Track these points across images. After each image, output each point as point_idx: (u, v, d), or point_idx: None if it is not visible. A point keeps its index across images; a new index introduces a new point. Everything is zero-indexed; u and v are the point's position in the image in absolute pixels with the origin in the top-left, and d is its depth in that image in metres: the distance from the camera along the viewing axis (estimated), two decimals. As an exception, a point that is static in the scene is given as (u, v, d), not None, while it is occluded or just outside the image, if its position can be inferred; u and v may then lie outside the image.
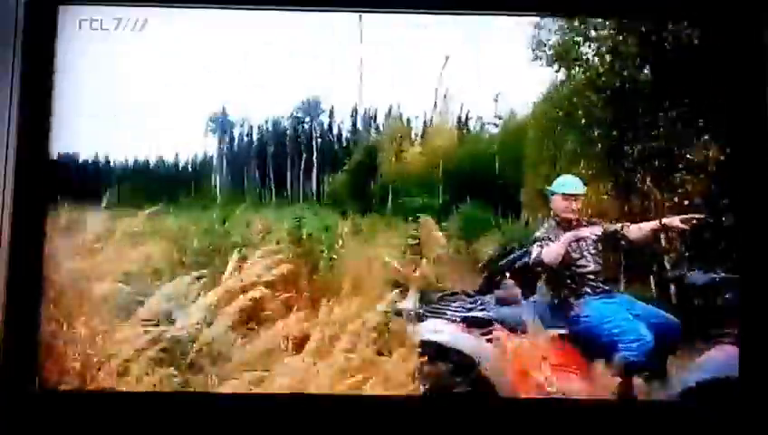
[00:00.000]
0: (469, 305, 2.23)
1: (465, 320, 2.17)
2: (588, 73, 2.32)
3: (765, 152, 1.78)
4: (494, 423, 1.73)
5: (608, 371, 1.96)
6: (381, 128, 2.72)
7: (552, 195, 2.22)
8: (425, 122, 2.67)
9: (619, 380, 1.94)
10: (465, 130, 2.49)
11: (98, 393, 1.77)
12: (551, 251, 2.12)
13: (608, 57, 2.30)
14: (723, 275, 2.00)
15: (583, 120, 2.31)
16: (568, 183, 2.20)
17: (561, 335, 2.06)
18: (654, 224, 2.10)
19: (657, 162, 2.21)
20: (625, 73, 2.26)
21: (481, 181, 2.34)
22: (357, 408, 1.77)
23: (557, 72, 2.30)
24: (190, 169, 2.62)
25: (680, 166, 2.18)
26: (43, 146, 1.76)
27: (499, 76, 2.27)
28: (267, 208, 2.56)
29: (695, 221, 2.03)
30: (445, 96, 2.44)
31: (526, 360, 1.94)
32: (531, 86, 2.26)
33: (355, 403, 1.80)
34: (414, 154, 2.49)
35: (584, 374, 1.98)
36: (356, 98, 2.55)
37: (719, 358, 1.88)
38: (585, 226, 2.18)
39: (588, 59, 2.32)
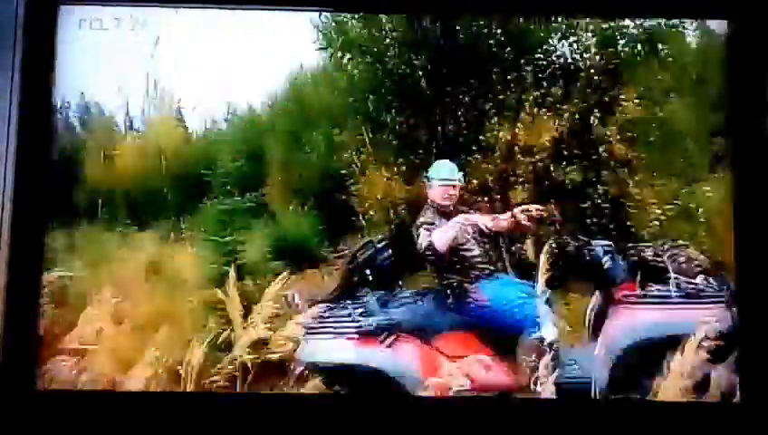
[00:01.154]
0: (343, 313, 2.00)
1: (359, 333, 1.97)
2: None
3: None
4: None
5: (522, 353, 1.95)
6: (77, 124, 2.26)
7: (429, 181, 2.15)
8: (130, 117, 2.29)
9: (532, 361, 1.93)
10: (185, 126, 2.21)
11: (98, 393, 1.78)
12: (442, 236, 2.06)
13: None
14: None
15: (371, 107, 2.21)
16: (443, 169, 2.15)
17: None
18: (507, 216, 2.08)
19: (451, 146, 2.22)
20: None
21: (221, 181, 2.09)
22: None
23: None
24: None
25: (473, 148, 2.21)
26: (43, 146, 1.78)
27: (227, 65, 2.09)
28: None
29: (536, 213, 2.07)
30: (157, 84, 2.14)
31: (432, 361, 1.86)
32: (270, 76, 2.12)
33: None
34: (130, 151, 2.11)
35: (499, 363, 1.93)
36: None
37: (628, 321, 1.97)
38: (468, 211, 2.14)
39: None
